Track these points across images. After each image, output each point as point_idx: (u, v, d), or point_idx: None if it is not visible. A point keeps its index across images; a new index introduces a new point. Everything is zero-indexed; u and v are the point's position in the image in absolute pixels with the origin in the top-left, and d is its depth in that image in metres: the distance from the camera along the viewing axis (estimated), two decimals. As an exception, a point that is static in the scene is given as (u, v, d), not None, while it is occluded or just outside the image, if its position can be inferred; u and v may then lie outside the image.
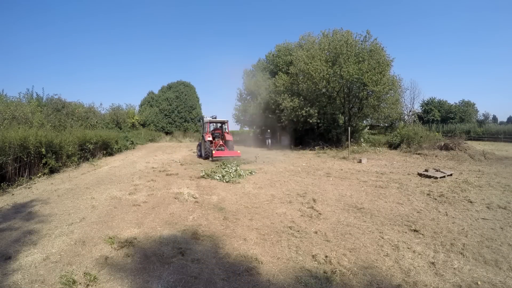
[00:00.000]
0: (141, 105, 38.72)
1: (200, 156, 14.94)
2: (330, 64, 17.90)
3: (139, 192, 6.88)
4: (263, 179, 8.59)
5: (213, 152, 13.12)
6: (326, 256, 3.47)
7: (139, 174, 9.53)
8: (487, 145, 22.51)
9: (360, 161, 12.54)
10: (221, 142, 14.63)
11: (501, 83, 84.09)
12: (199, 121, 17.69)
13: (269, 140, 23.24)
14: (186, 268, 3.19)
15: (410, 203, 5.83)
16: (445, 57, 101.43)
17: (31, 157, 8.52)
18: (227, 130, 15.55)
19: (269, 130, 24.28)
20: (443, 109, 45.28)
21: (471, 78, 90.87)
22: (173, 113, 38.12)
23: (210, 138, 14.27)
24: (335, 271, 3.12)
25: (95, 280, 2.93)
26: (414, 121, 23.51)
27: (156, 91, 40.22)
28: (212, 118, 15.51)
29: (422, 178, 8.63)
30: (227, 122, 15.76)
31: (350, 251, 3.64)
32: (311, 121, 18.94)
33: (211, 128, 15.96)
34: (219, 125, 16.15)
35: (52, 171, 9.59)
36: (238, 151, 13.91)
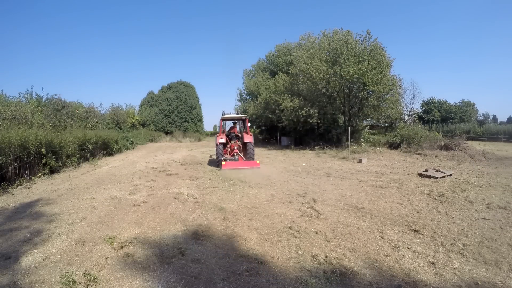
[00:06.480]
0: (141, 105, 38.78)
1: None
2: (330, 64, 17.90)
3: (139, 192, 6.88)
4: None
5: (223, 163, 9.84)
6: (326, 256, 3.47)
7: (139, 174, 9.53)
8: (487, 145, 22.48)
9: (360, 161, 12.53)
10: (237, 147, 11.53)
11: (501, 83, 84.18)
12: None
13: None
14: (186, 268, 3.18)
15: (410, 203, 5.83)
16: (445, 57, 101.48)
17: (31, 157, 8.52)
18: (246, 129, 11.96)
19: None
20: (443, 109, 45.24)
21: (471, 78, 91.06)
22: (173, 113, 38.15)
23: (223, 140, 11.15)
24: (335, 271, 3.12)
25: (95, 280, 2.93)
26: (414, 121, 23.49)
27: (156, 91, 40.33)
28: (226, 115, 12.18)
29: (422, 178, 8.62)
30: (246, 118, 12.17)
31: (350, 251, 3.64)
32: (311, 121, 18.94)
33: (227, 128, 12.97)
34: (232, 123, 13.00)
35: (52, 171, 9.60)
36: (258, 161, 10.23)
